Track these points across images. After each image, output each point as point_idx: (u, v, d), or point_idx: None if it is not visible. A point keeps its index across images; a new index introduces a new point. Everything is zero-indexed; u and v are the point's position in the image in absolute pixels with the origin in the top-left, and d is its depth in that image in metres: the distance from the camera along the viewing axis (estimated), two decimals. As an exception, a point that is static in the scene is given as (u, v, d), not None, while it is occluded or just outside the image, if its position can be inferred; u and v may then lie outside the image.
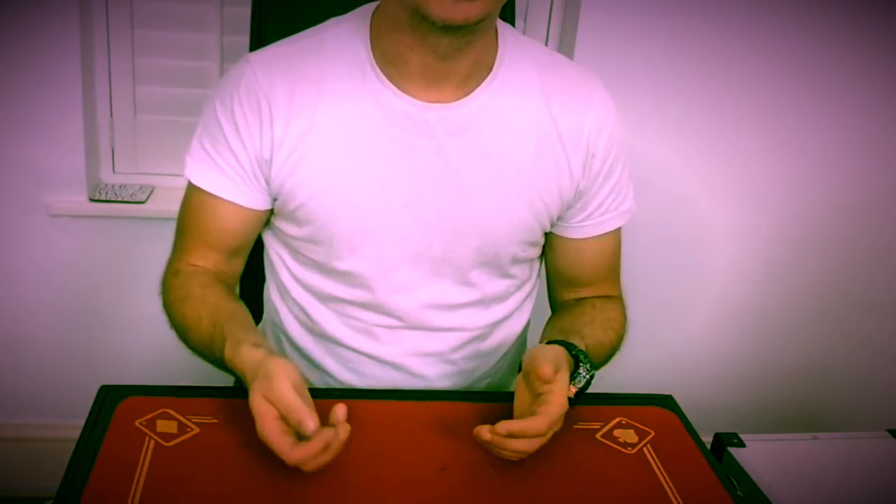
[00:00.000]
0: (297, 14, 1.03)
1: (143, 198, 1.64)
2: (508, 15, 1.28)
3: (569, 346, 0.92)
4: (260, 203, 0.99)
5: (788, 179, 1.76)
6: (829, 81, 1.68)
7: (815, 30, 1.64)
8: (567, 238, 1.07)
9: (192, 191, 1.00)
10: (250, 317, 0.96)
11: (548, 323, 1.09)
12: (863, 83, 1.69)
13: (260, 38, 1.19)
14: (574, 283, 1.11)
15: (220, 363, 0.90)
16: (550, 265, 1.12)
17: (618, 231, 1.09)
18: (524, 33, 1.64)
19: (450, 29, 0.86)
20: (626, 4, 1.57)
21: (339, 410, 0.79)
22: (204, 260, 1.02)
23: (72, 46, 1.51)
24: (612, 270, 1.12)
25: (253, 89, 0.94)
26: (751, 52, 1.64)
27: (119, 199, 1.63)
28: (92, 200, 1.62)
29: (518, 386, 0.90)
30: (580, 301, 1.10)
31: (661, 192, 1.72)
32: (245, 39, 1.27)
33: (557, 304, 1.14)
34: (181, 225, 1.03)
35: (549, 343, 0.93)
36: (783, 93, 1.68)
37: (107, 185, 1.68)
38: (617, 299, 1.12)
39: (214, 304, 0.95)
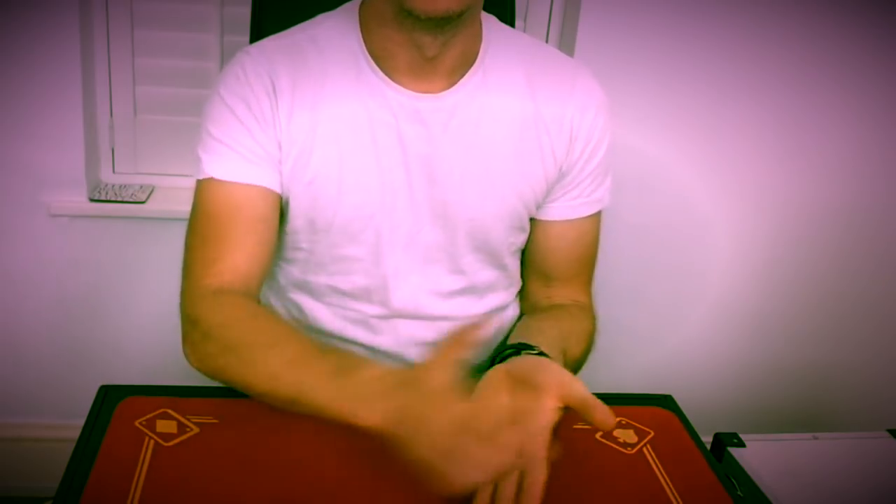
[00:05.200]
0: (297, 14, 1.03)
1: (143, 198, 1.64)
2: (508, 15, 1.28)
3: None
4: (279, 185, 0.96)
5: (789, 179, 1.76)
6: (830, 81, 1.68)
7: (816, 30, 1.64)
8: (542, 220, 1.07)
9: (210, 192, 0.94)
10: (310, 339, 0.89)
11: (518, 326, 1.06)
12: (864, 83, 1.69)
13: (260, 38, 1.19)
14: (547, 275, 1.11)
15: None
16: (526, 252, 1.12)
17: (593, 222, 1.09)
18: (524, 33, 1.64)
19: (432, 22, 0.87)
20: (626, 4, 1.57)
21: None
22: (235, 267, 0.93)
23: (72, 46, 1.51)
24: (585, 267, 1.11)
25: (258, 71, 0.95)
26: (751, 51, 1.64)
27: (119, 199, 1.63)
28: (92, 200, 1.63)
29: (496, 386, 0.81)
30: (553, 307, 1.09)
31: (661, 191, 1.72)
32: (245, 39, 1.27)
33: (529, 301, 1.13)
34: (200, 236, 0.94)
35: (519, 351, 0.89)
36: (784, 92, 1.68)
37: (107, 185, 1.68)
38: (587, 308, 1.10)
39: (275, 340, 0.85)
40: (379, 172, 0.98)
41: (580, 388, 0.77)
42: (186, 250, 0.95)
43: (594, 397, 0.77)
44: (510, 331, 1.14)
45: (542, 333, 0.98)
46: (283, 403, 0.81)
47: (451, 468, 0.68)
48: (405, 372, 0.76)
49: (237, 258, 0.93)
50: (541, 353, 0.89)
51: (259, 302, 0.99)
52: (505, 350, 0.91)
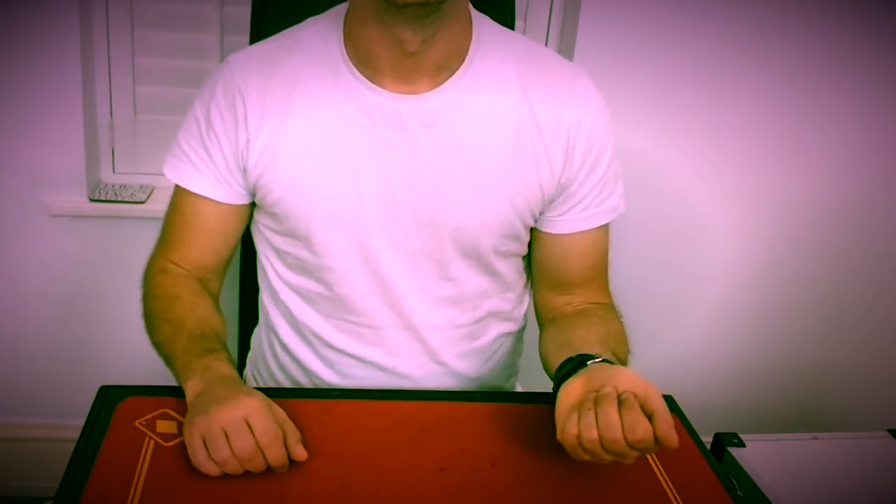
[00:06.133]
0: (297, 14, 1.03)
1: (143, 198, 1.64)
2: (508, 15, 1.28)
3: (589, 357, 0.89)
4: (235, 198, 1.01)
5: (788, 179, 1.76)
6: (830, 82, 1.68)
7: (816, 30, 1.64)
8: (552, 234, 1.04)
9: (175, 188, 1.03)
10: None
11: (551, 337, 1.04)
12: (864, 83, 1.69)
13: (260, 38, 1.19)
14: (563, 284, 1.07)
15: (186, 362, 0.91)
16: (537, 265, 1.09)
17: (605, 230, 1.06)
18: (524, 33, 1.64)
19: (410, 11, 0.86)
20: (626, 4, 1.57)
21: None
22: (187, 259, 1.03)
23: (72, 46, 1.51)
24: (601, 271, 1.09)
25: (229, 88, 0.97)
26: (751, 51, 1.64)
27: (119, 199, 1.63)
28: (92, 200, 1.62)
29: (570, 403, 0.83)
30: (582, 311, 1.06)
31: (661, 191, 1.72)
32: (245, 39, 1.27)
33: (549, 311, 1.10)
34: (166, 222, 1.06)
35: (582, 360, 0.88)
36: (784, 92, 1.68)
37: (107, 185, 1.68)
38: (612, 307, 1.08)
39: (203, 315, 0.98)
40: (355, 180, 0.96)
41: (656, 394, 0.80)
42: (162, 224, 1.07)
43: (666, 409, 0.79)
44: (511, 340, 1.14)
45: (586, 341, 0.96)
46: (164, 362, 0.96)
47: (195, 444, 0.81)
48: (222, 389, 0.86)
49: (186, 252, 1.03)
50: (605, 361, 0.88)
51: (206, 282, 1.04)
52: (566, 364, 0.88)
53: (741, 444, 1.08)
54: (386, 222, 0.98)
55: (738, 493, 0.98)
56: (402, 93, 0.94)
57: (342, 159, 0.96)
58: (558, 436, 0.81)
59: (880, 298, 1.90)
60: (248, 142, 0.96)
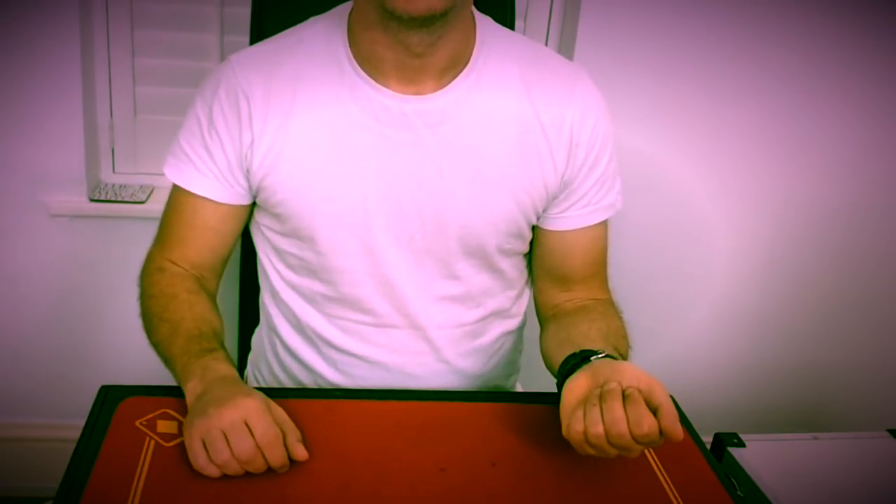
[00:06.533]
0: (297, 14, 1.03)
1: (143, 198, 1.64)
2: (508, 15, 1.28)
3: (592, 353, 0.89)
4: (236, 198, 1.00)
5: (789, 179, 1.76)
6: (830, 82, 1.68)
7: (816, 30, 1.64)
8: (554, 231, 1.05)
9: (173, 187, 1.03)
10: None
11: (553, 334, 1.04)
12: (864, 83, 1.69)
13: (260, 38, 1.19)
14: (565, 280, 1.08)
15: (185, 364, 0.91)
16: (539, 262, 1.09)
17: (604, 226, 1.08)
18: (524, 33, 1.64)
19: (416, 22, 0.86)
20: (626, 4, 1.57)
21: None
22: (185, 258, 1.03)
23: (72, 46, 1.51)
24: (601, 267, 1.10)
25: (232, 87, 0.96)
26: (751, 51, 1.64)
27: (119, 199, 1.63)
28: (92, 200, 1.62)
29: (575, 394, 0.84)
30: (583, 307, 1.07)
31: (661, 191, 1.72)
32: (245, 39, 1.27)
33: (549, 308, 1.10)
34: (164, 220, 1.05)
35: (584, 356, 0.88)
36: (784, 92, 1.68)
37: (107, 185, 1.68)
38: (612, 304, 1.09)
39: (201, 314, 0.97)
40: (361, 180, 0.96)
41: (660, 388, 0.81)
42: (159, 221, 1.07)
43: (671, 403, 0.80)
44: (512, 337, 1.14)
45: (588, 337, 0.97)
46: (164, 363, 0.96)
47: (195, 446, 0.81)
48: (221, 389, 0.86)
49: (184, 251, 1.03)
50: (608, 356, 0.88)
51: (204, 280, 1.04)
52: (570, 360, 0.89)
53: (741, 444, 1.09)
54: (391, 222, 0.98)
55: (738, 493, 0.98)
56: (408, 93, 0.95)
57: (348, 159, 0.96)
58: (564, 431, 0.82)
59: (880, 298, 1.90)
60: (252, 142, 0.96)
